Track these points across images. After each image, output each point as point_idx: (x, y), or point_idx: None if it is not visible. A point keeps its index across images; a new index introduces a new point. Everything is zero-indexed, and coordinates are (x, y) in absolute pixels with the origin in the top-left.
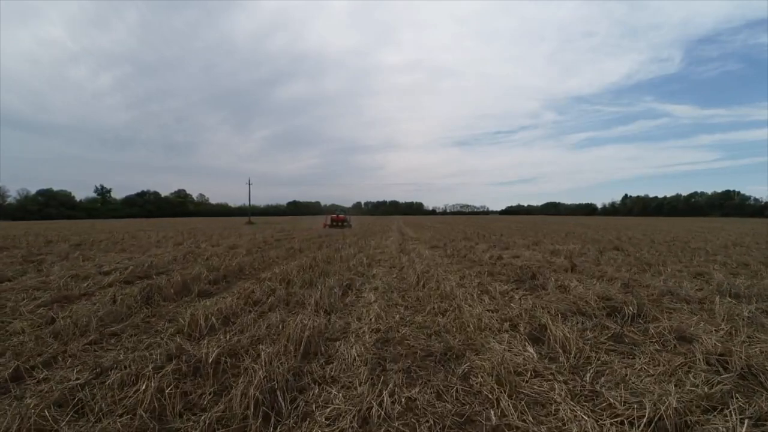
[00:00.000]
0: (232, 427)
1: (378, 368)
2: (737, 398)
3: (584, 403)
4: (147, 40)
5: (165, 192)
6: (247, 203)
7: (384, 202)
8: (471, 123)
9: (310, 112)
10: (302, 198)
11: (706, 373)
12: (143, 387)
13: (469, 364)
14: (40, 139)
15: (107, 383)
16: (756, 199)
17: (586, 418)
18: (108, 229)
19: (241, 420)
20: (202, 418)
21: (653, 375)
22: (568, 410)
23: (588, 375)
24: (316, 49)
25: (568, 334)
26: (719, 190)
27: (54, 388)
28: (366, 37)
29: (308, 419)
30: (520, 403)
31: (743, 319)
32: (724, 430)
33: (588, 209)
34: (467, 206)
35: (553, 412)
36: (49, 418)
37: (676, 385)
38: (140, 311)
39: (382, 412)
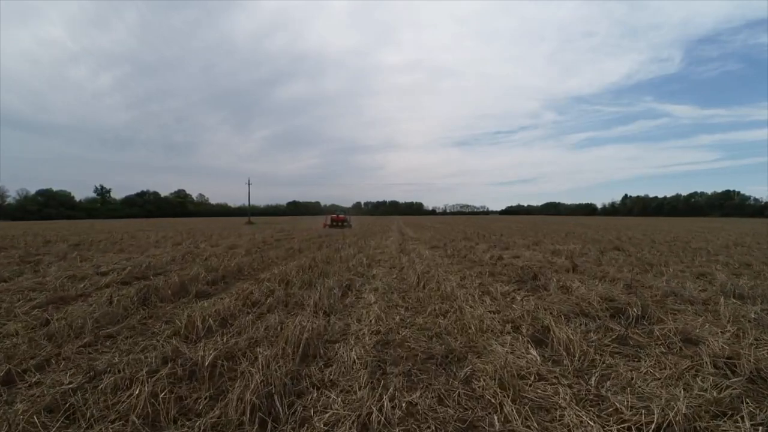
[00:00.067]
0: None
1: (378, 371)
2: (747, 403)
3: (590, 408)
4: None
5: (165, 192)
6: (246, 203)
7: (384, 202)
8: (471, 123)
9: (310, 112)
10: (302, 198)
11: (713, 376)
12: (137, 391)
13: (471, 367)
14: (40, 139)
15: (100, 387)
16: (756, 199)
17: (593, 424)
18: (107, 230)
19: (237, 426)
20: (197, 424)
21: (660, 379)
22: (574, 416)
23: (593, 379)
24: (316, 49)
25: (571, 337)
26: (719, 190)
27: (45, 392)
28: (366, 37)
29: (306, 425)
30: (524, 408)
31: (749, 321)
32: None
33: (588, 209)
34: (467, 206)
35: (558, 417)
36: (39, 425)
37: (683, 390)
38: (137, 313)
39: (383, 418)
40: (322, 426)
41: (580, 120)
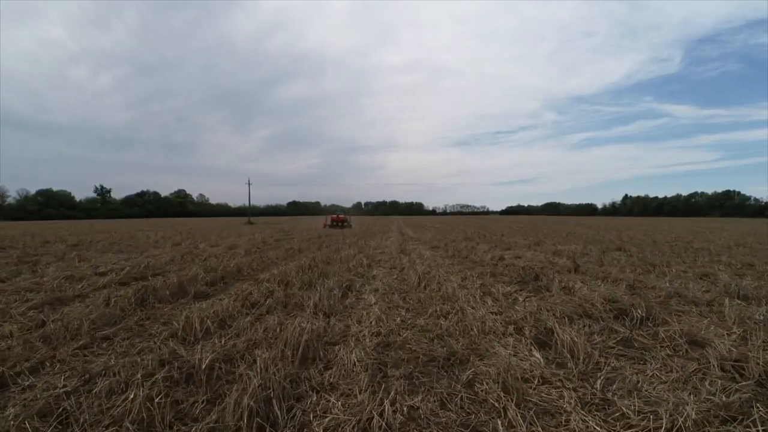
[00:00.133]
0: None
1: (379, 374)
2: (758, 407)
3: (596, 413)
4: (147, 40)
5: (165, 192)
6: (247, 203)
7: (384, 203)
8: (471, 123)
9: (310, 112)
10: (302, 198)
11: (722, 380)
12: (131, 395)
13: (473, 370)
14: (40, 139)
15: (94, 391)
16: (756, 199)
17: (599, 429)
18: (107, 230)
19: None
20: (193, 429)
21: (666, 382)
22: (580, 420)
23: (598, 382)
24: (316, 49)
25: (575, 338)
26: (719, 190)
27: (39, 396)
28: (366, 37)
29: (305, 430)
30: (528, 412)
31: (756, 323)
32: None
33: (588, 209)
34: (467, 206)
35: (563, 422)
36: (31, 430)
37: (691, 394)
38: (134, 314)
39: (384, 423)
40: (321, 431)
41: (580, 120)
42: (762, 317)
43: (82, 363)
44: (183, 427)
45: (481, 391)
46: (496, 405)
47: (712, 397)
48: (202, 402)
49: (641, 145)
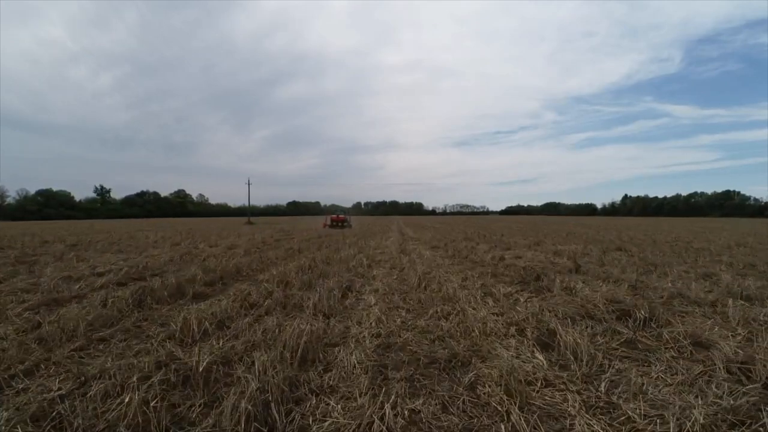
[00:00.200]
0: None
1: (379, 377)
2: (767, 411)
3: (600, 417)
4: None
5: (165, 192)
6: (246, 203)
7: (384, 203)
8: (471, 123)
9: (310, 112)
10: (302, 198)
11: (728, 382)
12: (127, 399)
13: (475, 372)
14: (40, 139)
15: (89, 395)
16: (756, 199)
17: None
18: (106, 230)
19: None
20: None
21: (672, 385)
22: (584, 424)
23: (603, 385)
24: (316, 49)
25: (578, 340)
26: (719, 190)
27: (32, 399)
28: (366, 37)
29: None
30: (532, 416)
31: (761, 324)
32: None
33: (588, 209)
34: (467, 206)
35: (568, 426)
36: None
37: (697, 397)
38: (131, 315)
39: (384, 428)
40: None
41: (580, 120)
42: (767, 318)
43: (77, 365)
44: (179, 431)
45: (484, 394)
46: (499, 408)
47: (719, 401)
48: (199, 406)
49: (641, 145)
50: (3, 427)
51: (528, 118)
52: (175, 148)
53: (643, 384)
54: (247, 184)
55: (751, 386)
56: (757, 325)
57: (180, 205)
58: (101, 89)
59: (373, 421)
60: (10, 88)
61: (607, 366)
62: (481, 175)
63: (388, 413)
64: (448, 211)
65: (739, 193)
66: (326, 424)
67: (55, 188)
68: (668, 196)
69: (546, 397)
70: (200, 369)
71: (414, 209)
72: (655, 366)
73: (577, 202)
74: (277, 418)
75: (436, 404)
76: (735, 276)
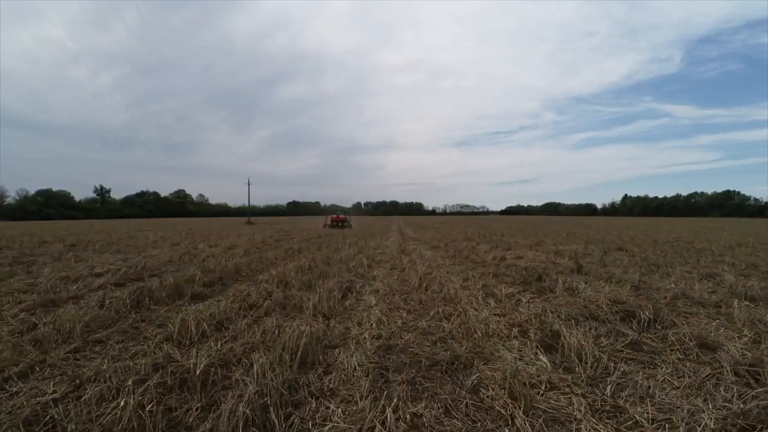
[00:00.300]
0: None
1: (380, 379)
2: None
3: (607, 421)
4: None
5: (165, 192)
6: (246, 203)
7: (384, 203)
8: (471, 123)
9: (310, 112)
10: (302, 198)
11: (737, 386)
12: (122, 403)
13: (478, 374)
14: (40, 139)
15: (84, 398)
16: (756, 199)
17: None
18: (106, 230)
19: None
20: None
21: (679, 388)
22: (591, 429)
23: (608, 387)
24: (316, 49)
25: (582, 342)
26: (719, 190)
27: (26, 403)
28: (366, 37)
29: None
30: (537, 420)
31: (767, 326)
32: None
33: (588, 209)
34: (467, 206)
35: (574, 431)
36: None
37: (706, 401)
38: (129, 316)
39: None
40: None
41: (580, 120)
42: None
43: (72, 368)
44: None
45: (487, 397)
46: (503, 412)
47: (728, 404)
48: (196, 410)
49: (641, 145)
50: None
51: (528, 118)
52: (175, 148)
53: (649, 387)
54: (247, 184)
55: (760, 390)
56: (763, 327)
57: (180, 205)
58: (101, 89)
59: (375, 426)
60: (10, 88)
61: (612, 368)
62: (481, 175)
63: (390, 417)
64: (448, 211)
65: (739, 193)
66: (326, 428)
67: (55, 188)
68: (668, 196)
69: (551, 401)
70: (198, 372)
71: (414, 209)
72: (662, 368)
73: (577, 202)
74: (276, 422)
75: (438, 408)
76: (738, 276)
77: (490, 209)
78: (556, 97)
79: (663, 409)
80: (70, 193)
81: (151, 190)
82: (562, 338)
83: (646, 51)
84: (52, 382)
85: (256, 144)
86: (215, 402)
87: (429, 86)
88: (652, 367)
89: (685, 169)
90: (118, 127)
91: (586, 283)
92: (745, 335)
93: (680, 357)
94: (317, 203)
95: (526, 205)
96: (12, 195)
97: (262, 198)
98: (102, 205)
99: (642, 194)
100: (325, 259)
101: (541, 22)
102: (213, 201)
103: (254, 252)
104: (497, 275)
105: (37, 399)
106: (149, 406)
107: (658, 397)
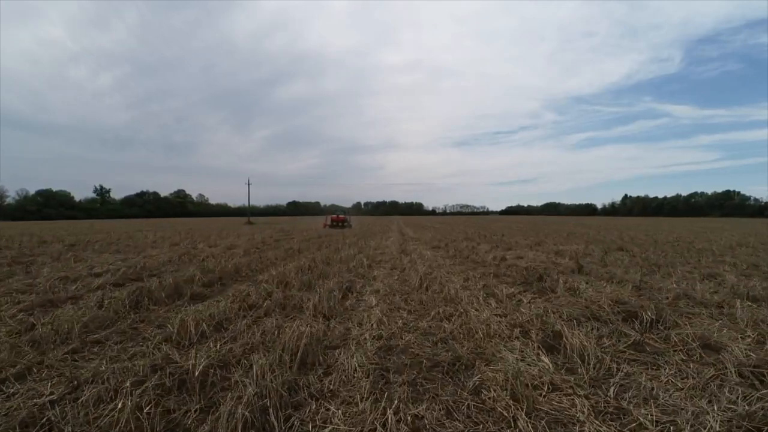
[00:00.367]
0: None
1: (381, 381)
2: None
3: (610, 423)
4: (147, 40)
5: (164, 192)
6: (246, 203)
7: (384, 203)
8: (471, 123)
9: (310, 112)
10: (302, 198)
11: (741, 387)
12: (120, 405)
13: (480, 376)
14: (40, 139)
15: (81, 400)
16: (756, 199)
17: None
18: (106, 230)
19: None
20: None
21: (683, 389)
22: (594, 431)
23: (611, 389)
24: (316, 49)
25: (585, 342)
26: (719, 190)
27: (23, 405)
28: (366, 37)
29: None
30: (540, 422)
31: None
32: None
33: (588, 209)
34: (467, 206)
35: None
36: None
37: (710, 402)
38: (128, 316)
39: None
40: None
41: (580, 120)
42: None
43: (70, 369)
44: None
45: (489, 398)
46: (505, 414)
47: (733, 406)
48: (195, 411)
49: (641, 145)
50: None
51: (528, 118)
52: (175, 148)
53: (653, 388)
54: (247, 184)
55: (765, 391)
56: (767, 327)
57: (180, 205)
58: (101, 89)
59: (375, 428)
60: (10, 88)
61: (615, 369)
62: (481, 175)
63: (391, 419)
64: (448, 211)
65: (739, 193)
66: (326, 430)
67: (54, 188)
68: (668, 196)
69: (553, 402)
70: (197, 373)
71: (414, 209)
72: (665, 369)
73: (577, 202)
74: (276, 424)
75: (440, 410)
76: (739, 276)
77: (490, 209)
78: (556, 97)
79: (667, 410)
80: (70, 193)
81: (151, 190)
82: (564, 339)
83: (646, 51)
84: (49, 384)
85: (256, 144)
86: (214, 404)
87: (429, 86)
88: (655, 368)
89: (685, 169)
90: (118, 127)
91: (587, 283)
92: (749, 336)
93: (683, 358)
94: (317, 203)
95: (526, 205)
96: (12, 195)
97: (262, 198)
98: (102, 205)
99: (642, 194)
100: (325, 259)
101: (541, 22)
102: (213, 201)
103: (254, 252)
104: (498, 275)
105: (34, 401)
106: (147, 408)
107: (662, 399)
